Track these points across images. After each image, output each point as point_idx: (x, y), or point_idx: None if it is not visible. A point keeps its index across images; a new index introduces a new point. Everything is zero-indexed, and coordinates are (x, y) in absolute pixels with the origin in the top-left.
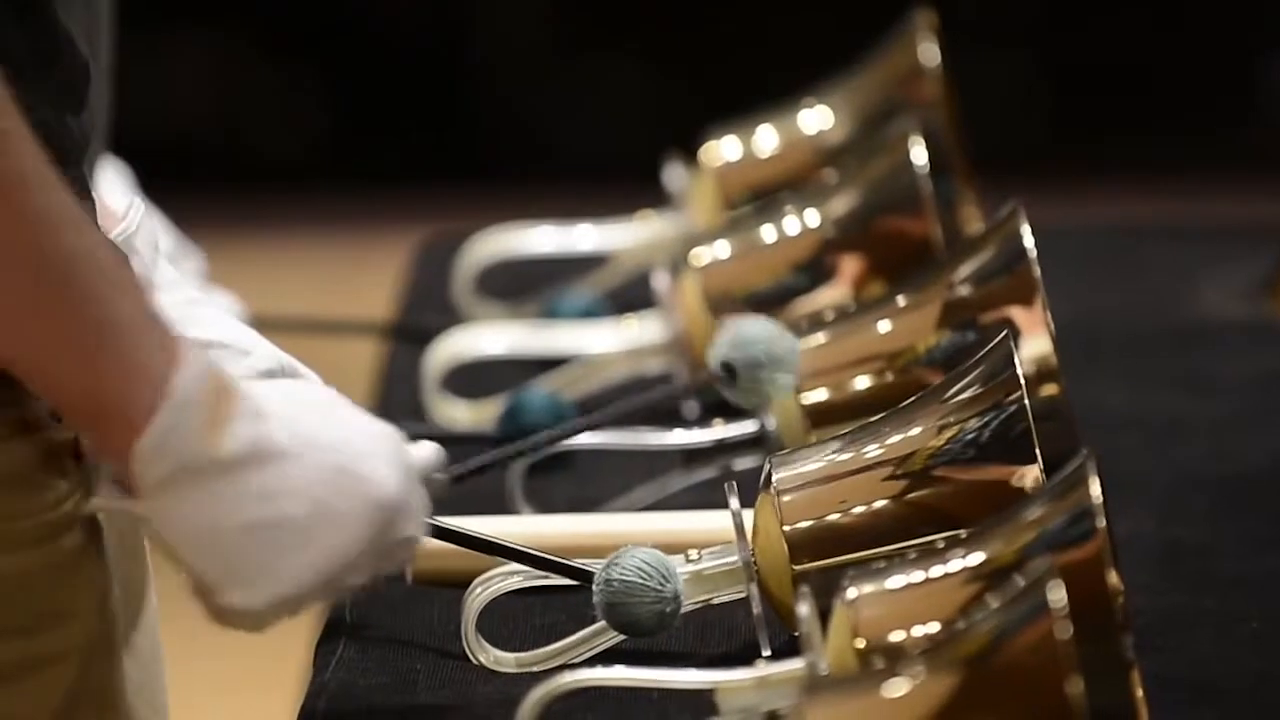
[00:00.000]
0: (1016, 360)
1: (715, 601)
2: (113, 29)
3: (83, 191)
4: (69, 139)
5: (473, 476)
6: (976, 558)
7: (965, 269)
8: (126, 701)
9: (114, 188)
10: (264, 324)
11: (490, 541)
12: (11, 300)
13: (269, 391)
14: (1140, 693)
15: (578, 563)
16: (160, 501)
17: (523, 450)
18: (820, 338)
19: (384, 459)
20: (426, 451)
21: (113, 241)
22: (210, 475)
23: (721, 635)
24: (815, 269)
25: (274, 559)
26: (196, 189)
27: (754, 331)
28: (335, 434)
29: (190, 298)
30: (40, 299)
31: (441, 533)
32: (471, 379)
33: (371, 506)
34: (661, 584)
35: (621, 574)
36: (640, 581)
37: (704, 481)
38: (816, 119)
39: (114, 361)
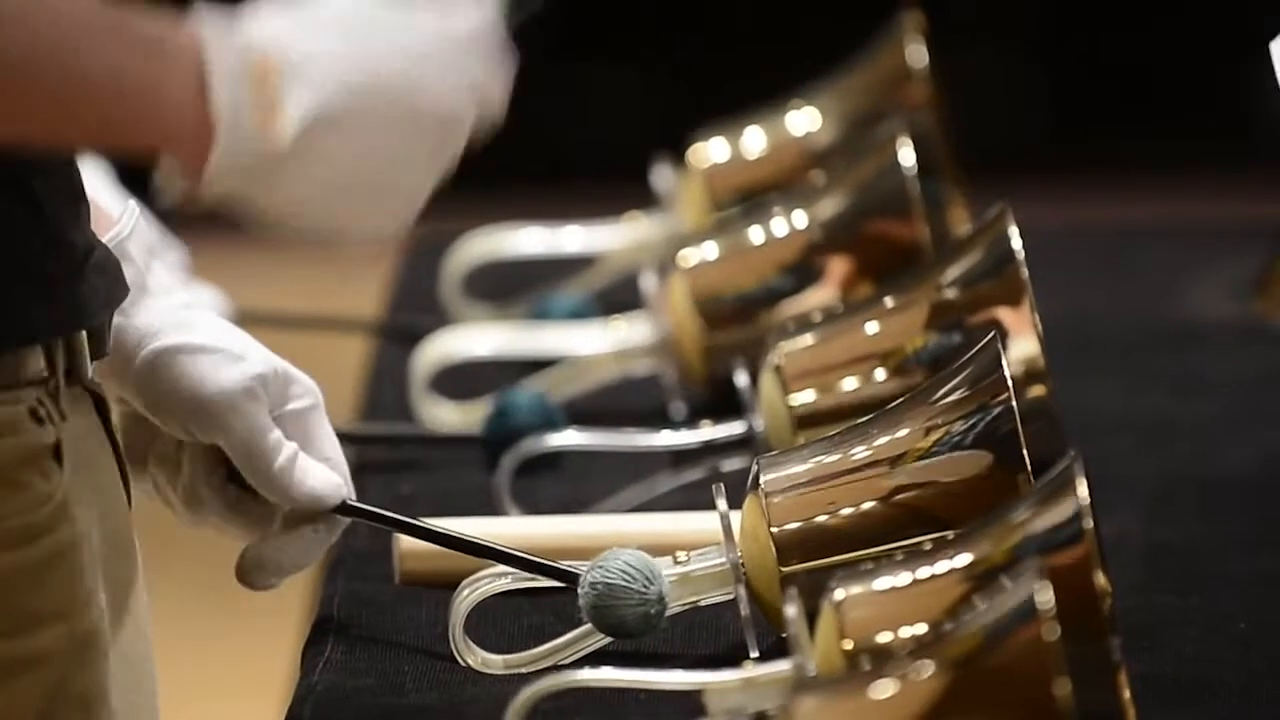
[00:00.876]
0: (1004, 361)
1: (703, 603)
2: None
3: (73, 193)
4: None
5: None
6: (964, 559)
7: (953, 270)
8: (112, 703)
9: (100, 187)
10: (253, 320)
11: (476, 543)
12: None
13: (316, 40)
14: (1128, 693)
15: (564, 565)
16: (250, 192)
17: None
18: (808, 339)
19: (440, 74)
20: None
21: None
22: (283, 165)
23: (709, 636)
24: (803, 270)
25: (383, 193)
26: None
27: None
28: (390, 65)
29: (185, 302)
30: (62, 84)
31: (428, 534)
32: (459, 380)
33: (440, 126)
34: (646, 586)
35: (606, 576)
36: (624, 584)
37: (692, 483)
38: (804, 121)
39: (147, 125)
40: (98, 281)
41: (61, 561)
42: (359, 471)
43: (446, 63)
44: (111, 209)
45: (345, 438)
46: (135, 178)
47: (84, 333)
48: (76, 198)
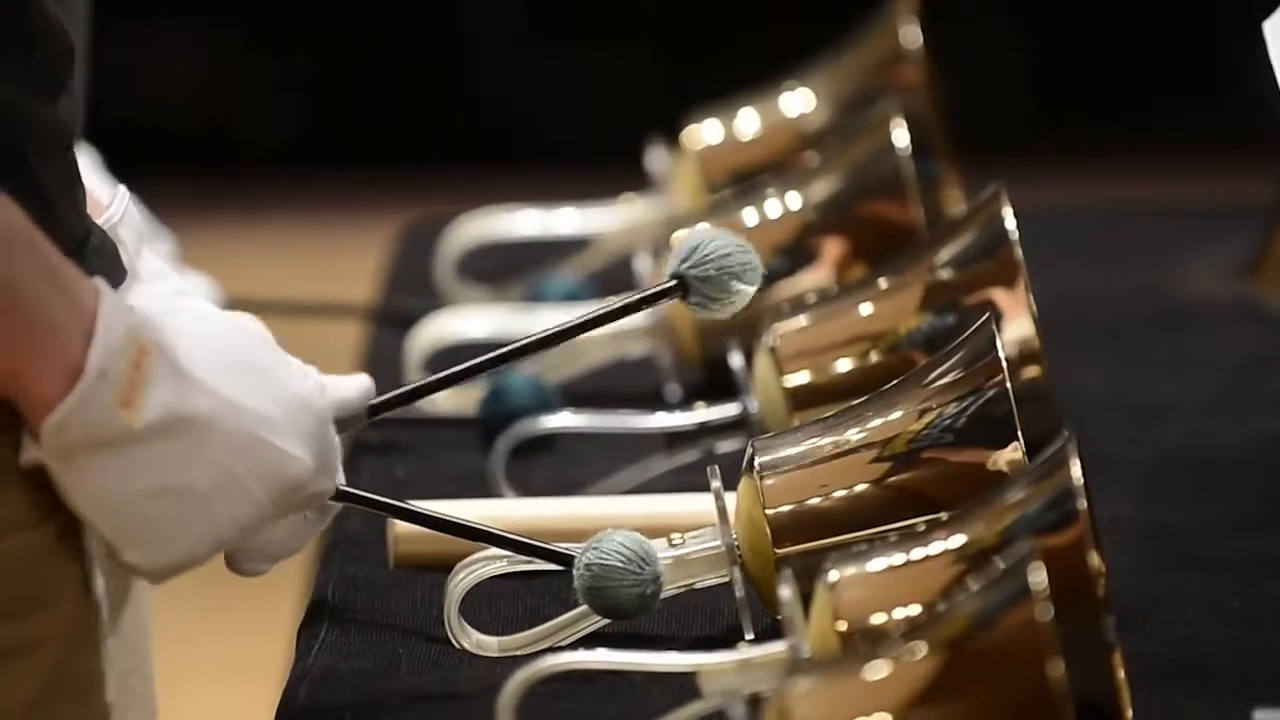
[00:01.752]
0: (998, 343)
1: (698, 586)
2: (88, 11)
3: (70, 178)
4: (47, 125)
5: (388, 409)
6: (958, 540)
7: (947, 251)
8: (110, 688)
9: (90, 172)
10: (247, 307)
11: (470, 526)
12: None
13: (195, 345)
14: (1122, 674)
15: (558, 547)
16: (68, 466)
17: (441, 384)
18: (802, 321)
19: (299, 431)
20: (353, 387)
21: (18, 216)
22: (121, 445)
23: (704, 619)
24: (797, 252)
25: (169, 527)
26: (180, 172)
27: (707, 243)
28: (254, 400)
29: (177, 288)
30: None
31: (421, 518)
32: (454, 362)
33: (278, 483)
34: (641, 567)
35: (601, 558)
36: (620, 565)
37: (687, 465)
38: (798, 102)
39: (30, 357)
40: (96, 264)
41: (59, 546)
42: (354, 454)
43: (303, 427)
44: (102, 194)
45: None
46: (129, 165)
47: None
48: (73, 182)
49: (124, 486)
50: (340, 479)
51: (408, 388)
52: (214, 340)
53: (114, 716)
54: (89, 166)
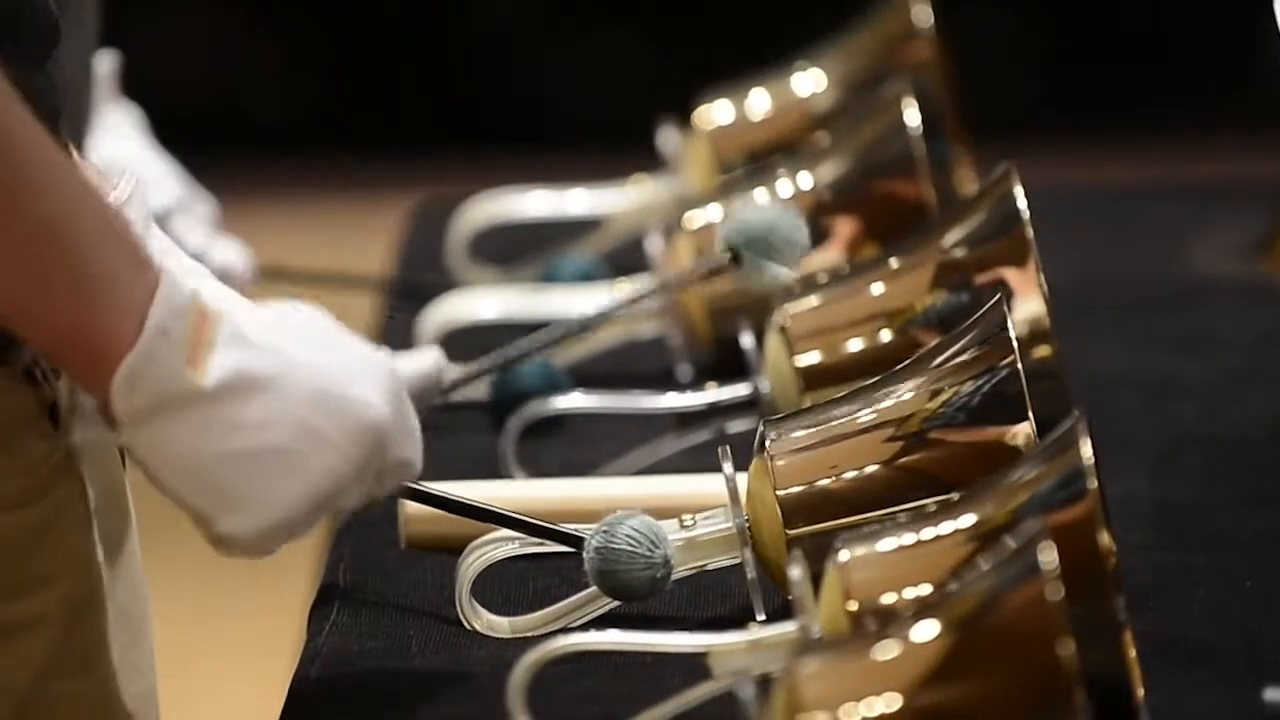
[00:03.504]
0: (1009, 322)
1: (710, 567)
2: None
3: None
4: (32, 102)
5: (465, 384)
6: (968, 520)
7: (958, 231)
8: (112, 662)
9: (125, 136)
10: (271, 275)
11: (481, 508)
12: None
13: (257, 316)
14: (1133, 653)
15: (569, 528)
16: (142, 432)
17: (512, 359)
18: (813, 300)
19: (371, 382)
20: (423, 360)
21: (93, 181)
22: (192, 406)
23: (715, 599)
24: (809, 232)
25: (263, 487)
26: (193, 153)
27: (760, 216)
28: (321, 358)
29: (185, 266)
30: (18, 252)
31: (433, 499)
32: (465, 343)
33: (359, 429)
34: (651, 549)
35: (611, 540)
36: (630, 548)
37: (697, 445)
38: (809, 82)
39: (92, 304)
40: None
41: (60, 522)
42: None
43: (377, 379)
44: (111, 174)
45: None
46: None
47: None
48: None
49: (203, 449)
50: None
51: (482, 364)
52: (273, 311)
53: (116, 690)
54: (123, 129)
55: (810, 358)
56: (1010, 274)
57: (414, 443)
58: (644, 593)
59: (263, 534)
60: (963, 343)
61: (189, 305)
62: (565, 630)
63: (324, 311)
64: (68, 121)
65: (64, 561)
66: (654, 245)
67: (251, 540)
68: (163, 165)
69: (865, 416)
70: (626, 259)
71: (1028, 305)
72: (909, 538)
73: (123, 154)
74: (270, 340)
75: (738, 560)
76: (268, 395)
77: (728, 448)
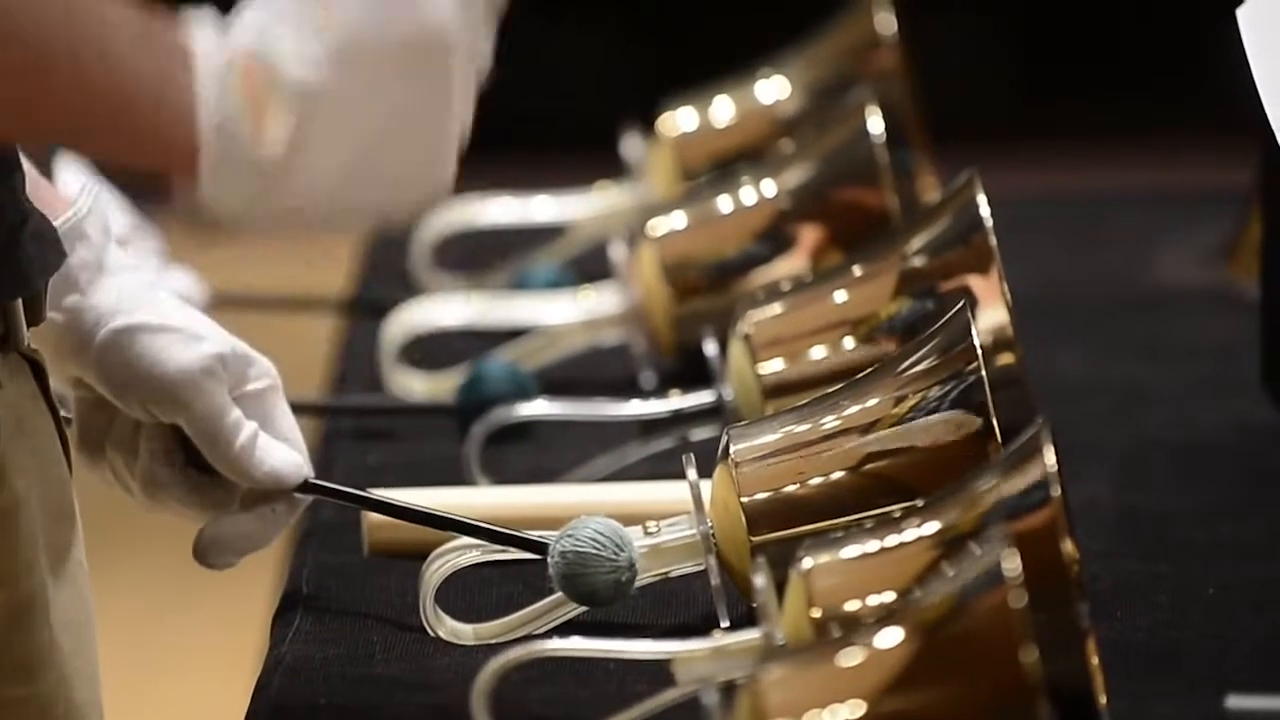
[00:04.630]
0: (973, 330)
1: (674, 574)
2: None
3: (11, 163)
4: None
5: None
6: (931, 527)
7: (921, 238)
8: (55, 669)
9: (62, 165)
10: (225, 301)
11: (442, 516)
12: (34, 83)
13: (287, 23)
14: (1096, 660)
15: (532, 535)
16: (257, 212)
17: None
18: (777, 308)
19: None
20: None
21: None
22: (276, 174)
23: (679, 606)
24: (772, 239)
25: (403, 149)
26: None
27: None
28: (374, 37)
29: (144, 280)
30: (63, 79)
31: (391, 509)
32: (429, 351)
33: (433, 56)
34: (616, 553)
35: (575, 544)
36: (594, 551)
37: (661, 452)
38: (773, 89)
39: (142, 121)
40: (34, 250)
41: (0, 528)
42: (328, 442)
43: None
44: (69, 188)
45: (317, 410)
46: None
47: (19, 300)
48: (10, 168)
49: (323, 175)
50: (310, 469)
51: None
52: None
53: (59, 697)
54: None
55: (773, 365)
56: (974, 281)
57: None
58: (609, 597)
59: (435, 192)
60: (926, 350)
61: (234, 72)
62: (529, 637)
63: None
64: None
65: (5, 567)
66: (618, 252)
67: (429, 195)
68: (108, 196)
69: (829, 423)
70: (591, 266)
71: (991, 313)
72: (872, 545)
73: (62, 191)
74: (308, 47)
75: (702, 567)
76: (343, 110)
77: (692, 455)
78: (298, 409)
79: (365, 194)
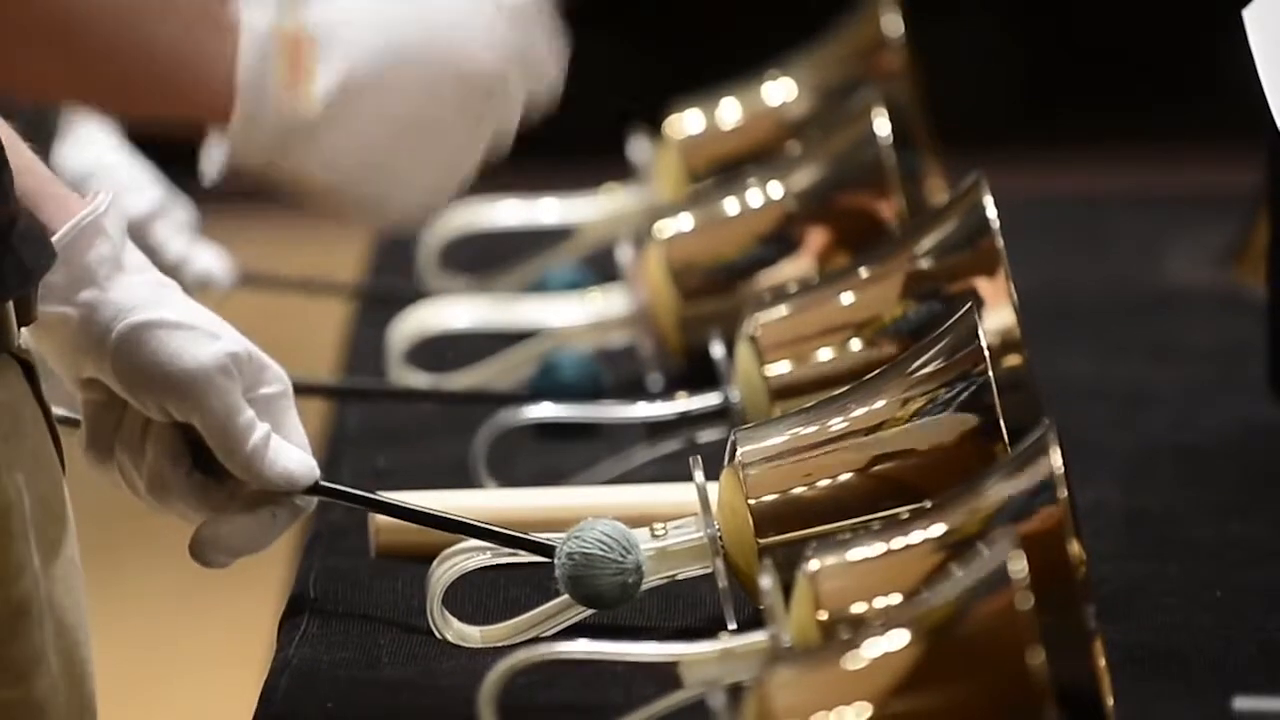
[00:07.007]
0: (980, 332)
1: (681, 577)
2: None
3: None
4: None
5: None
6: (938, 529)
7: (928, 241)
8: (48, 671)
9: (101, 143)
10: (249, 281)
11: (450, 519)
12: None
13: (350, 7)
14: (1103, 662)
15: (539, 537)
16: (285, 166)
17: None
18: (783, 310)
19: (477, 37)
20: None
21: None
22: (316, 127)
23: (686, 608)
24: (779, 241)
25: (420, 160)
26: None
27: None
28: (424, 29)
29: (159, 280)
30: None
31: (400, 511)
32: (436, 352)
33: (478, 90)
34: (623, 555)
35: (582, 547)
36: (601, 554)
37: (668, 454)
38: (780, 91)
39: (184, 79)
40: (23, 250)
41: None
42: (334, 444)
43: (483, 27)
44: (86, 187)
45: (356, 394)
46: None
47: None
48: None
49: (345, 155)
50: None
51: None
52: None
53: (52, 699)
54: (97, 139)
55: (780, 367)
56: (980, 283)
57: (541, 54)
58: (615, 600)
59: (432, 201)
60: (933, 352)
61: (278, 35)
62: (536, 640)
63: None
64: (33, 127)
65: None
66: (624, 255)
67: (422, 209)
68: (141, 171)
69: (836, 426)
70: (598, 268)
71: (998, 315)
72: (879, 547)
73: (101, 161)
74: (364, 36)
75: (709, 570)
76: (379, 91)
77: (699, 457)
78: (346, 393)
79: (377, 185)
